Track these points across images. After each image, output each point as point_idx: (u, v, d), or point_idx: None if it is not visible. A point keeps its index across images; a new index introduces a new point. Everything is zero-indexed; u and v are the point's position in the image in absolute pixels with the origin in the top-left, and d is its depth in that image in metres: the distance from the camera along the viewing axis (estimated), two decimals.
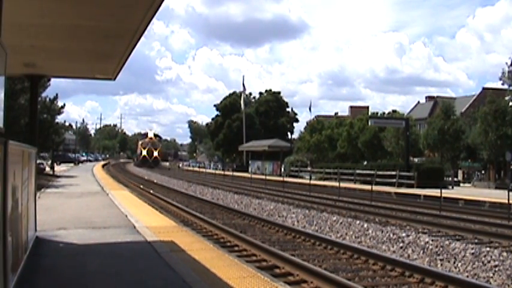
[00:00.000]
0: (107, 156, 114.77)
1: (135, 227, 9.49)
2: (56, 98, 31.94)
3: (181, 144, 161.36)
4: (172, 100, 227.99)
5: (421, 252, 9.86)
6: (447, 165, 38.16)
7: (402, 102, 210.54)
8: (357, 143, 47.90)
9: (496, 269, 8.31)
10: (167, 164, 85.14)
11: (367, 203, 19.18)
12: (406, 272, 7.85)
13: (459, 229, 12.13)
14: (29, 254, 6.03)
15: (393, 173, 30.57)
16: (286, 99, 72.47)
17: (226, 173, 45.91)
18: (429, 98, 66.39)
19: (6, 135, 3.89)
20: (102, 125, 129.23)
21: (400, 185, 29.08)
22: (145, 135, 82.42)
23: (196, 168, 68.32)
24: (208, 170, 59.94)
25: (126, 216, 11.11)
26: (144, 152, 76.03)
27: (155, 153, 76.49)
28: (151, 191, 23.77)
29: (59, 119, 36.74)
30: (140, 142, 79.53)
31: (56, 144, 38.63)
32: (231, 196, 20.82)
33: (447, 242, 9.88)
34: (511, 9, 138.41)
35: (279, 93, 71.75)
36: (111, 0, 5.18)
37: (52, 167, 40.02)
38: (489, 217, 15.39)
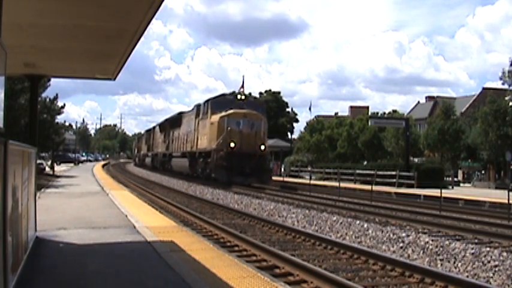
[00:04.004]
0: (107, 156, 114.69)
1: (135, 227, 9.49)
2: (56, 98, 32.07)
3: None
4: (172, 100, 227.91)
5: (421, 252, 9.85)
6: (447, 165, 38.26)
7: (402, 102, 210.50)
8: (357, 143, 47.95)
9: (496, 269, 8.31)
10: None
11: (367, 203, 19.17)
12: (406, 272, 7.85)
13: (459, 229, 12.12)
14: (29, 254, 6.03)
15: (393, 173, 30.60)
16: (285, 99, 72.45)
17: None
18: (429, 98, 66.52)
19: (6, 135, 3.89)
20: (102, 125, 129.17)
21: (400, 185, 29.10)
22: (232, 97, 29.50)
23: None
24: None
25: (126, 216, 11.10)
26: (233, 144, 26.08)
27: (262, 147, 27.23)
28: (151, 191, 23.77)
29: (59, 119, 36.87)
30: (218, 117, 26.96)
31: (56, 144, 38.67)
32: (231, 196, 20.81)
33: (447, 242, 9.87)
34: (511, 8, 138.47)
35: (279, 93, 71.77)
36: (111, 0, 5.18)
37: (52, 167, 40.03)
38: (489, 217, 15.39)
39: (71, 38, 6.52)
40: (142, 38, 6.47)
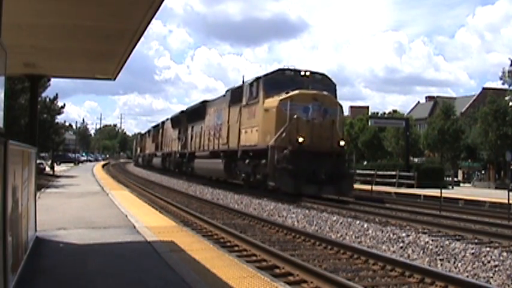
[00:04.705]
0: (107, 156, 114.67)
1: (135, 227, 9.49)
2: (56, 98, 32.15)
3: None
4: (172, 100, 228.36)
5: (421, 252, 9.85)
6: (447, 165, 38.29)
7: (402, 102, 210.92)
8: (357, 143, 47.93)
9: (496, 269, 8.31)
10: None
11: (367, 203, 19.16)
12: (406, 272, 7.84)
13: (459, 229, 12.12)
14: (29, 254, 6.03)
15: (393, 173, 30.59)
16: None
17: None
18: (429, 98, 66.64)
19: (6, 135, 3.89)
20: (102, 125, 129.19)
21: (400, 185, 29.10)
22: (292, 73, 20.04)
23: None
24: None
25: (126, 216, 11.10)
26: (301, 138, 17.94)
27: (341, 142, 18.94)
28: (151, 191, 23.77)
29: (59, 119, 36.92)
30: (277, 101, 18.69)
31: (56, 144, 38.74)
32: (231, 196, 20.80)
33: (447, 242, 9.87)
34: (511, 8, 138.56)
35: None
36: (111, 0, 5.18)
37: (52, 167, 40.05)
38: (489, 217, 15.38)
39: (70, 38, 6.52)
40: (142, 38, 6.49)
